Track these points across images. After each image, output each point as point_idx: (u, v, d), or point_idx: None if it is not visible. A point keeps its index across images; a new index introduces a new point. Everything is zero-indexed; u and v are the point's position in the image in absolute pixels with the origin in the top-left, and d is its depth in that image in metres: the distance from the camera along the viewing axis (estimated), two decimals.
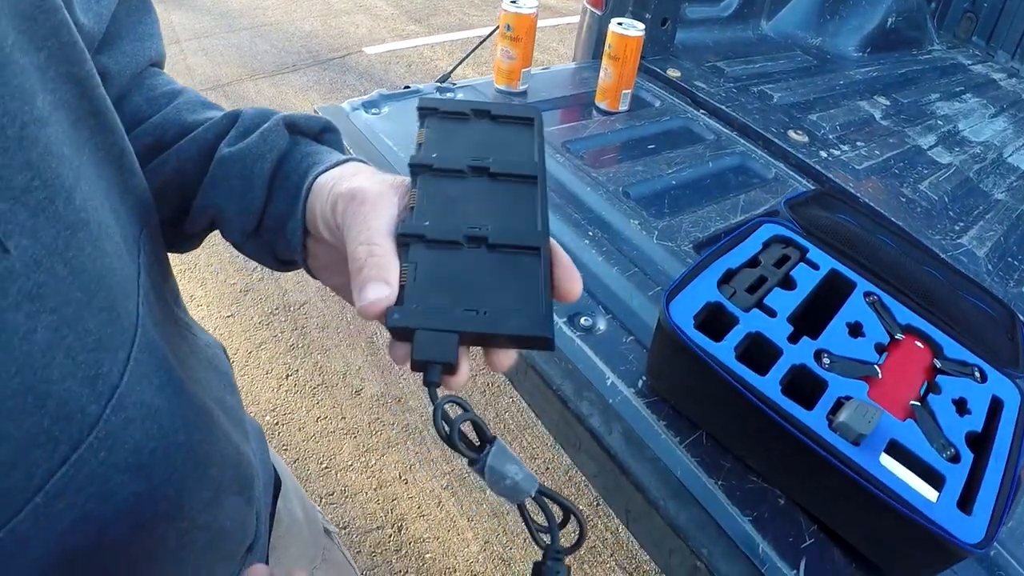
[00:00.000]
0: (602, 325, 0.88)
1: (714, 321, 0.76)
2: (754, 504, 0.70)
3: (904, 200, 1.30)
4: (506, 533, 1.53)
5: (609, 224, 1.04)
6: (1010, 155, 1.67)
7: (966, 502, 0.64)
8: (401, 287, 0.32)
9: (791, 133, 1.38)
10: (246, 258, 0.45)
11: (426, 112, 0.39)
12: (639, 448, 0.74)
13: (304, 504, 0.64)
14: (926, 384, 0.75)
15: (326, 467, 1.60)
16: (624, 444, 0.74)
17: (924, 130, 1.60)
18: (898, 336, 0.79)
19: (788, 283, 0.82)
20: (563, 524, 0.33)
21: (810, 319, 0.79)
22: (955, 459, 0.67)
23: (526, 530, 0.33)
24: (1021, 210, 1.42)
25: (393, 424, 1.72)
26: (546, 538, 0.33)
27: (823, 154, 1.34)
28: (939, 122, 1.68)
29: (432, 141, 0.38)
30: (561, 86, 1.41)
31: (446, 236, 0.33)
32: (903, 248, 1.04)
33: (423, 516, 1.54)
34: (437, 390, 0.31)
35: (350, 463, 1.62)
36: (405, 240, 0.33)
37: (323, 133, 0.44)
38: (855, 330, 0.78)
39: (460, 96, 1.34)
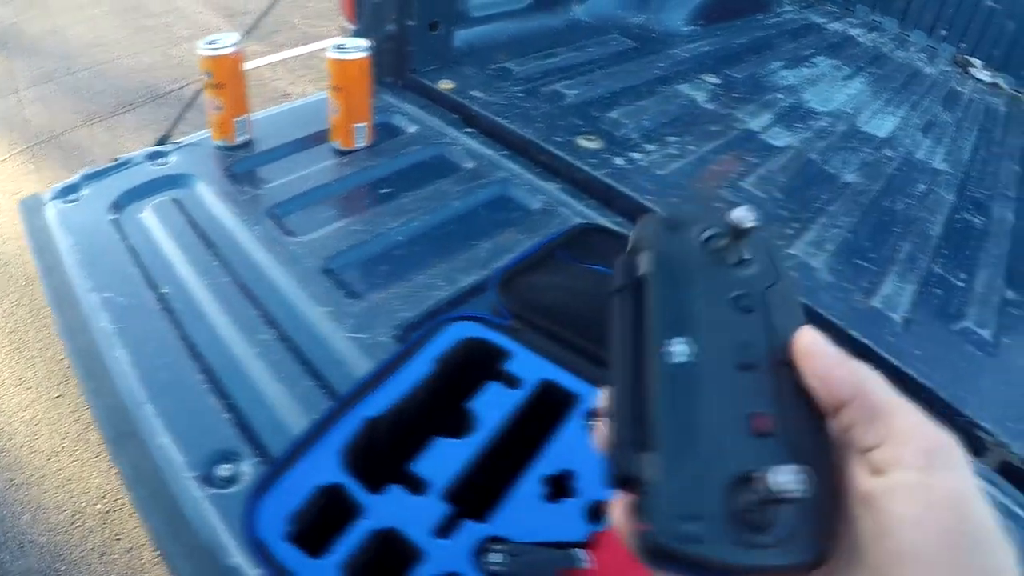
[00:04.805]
0: (248, 472, 0.60)
1: (332, 515, 0.48)
2: None
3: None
4: None
5: (292, 317, 0.76)
6: (866, 122, 1.44)
7: None
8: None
9: (581, 140, 1.12)
10: None
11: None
12: None
13: None
14: None
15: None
16: None
17: (759, 108, 1.36)
18: None
19: (461, 424, 0.54)
20: None
21: (489, 483, 0.51)
22: None
23: None
24: (876, 192, 1.19)
25: None
26: None
27: (618, 161, 1.08)
28: (779, 96, 1.45)
29: None
30: (293, 127, 1.12)
31: None
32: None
33: None
34: None
35: None
36: None
37: None
38: (558, 487, 0.51)
39: (174, 159, 1.05)
